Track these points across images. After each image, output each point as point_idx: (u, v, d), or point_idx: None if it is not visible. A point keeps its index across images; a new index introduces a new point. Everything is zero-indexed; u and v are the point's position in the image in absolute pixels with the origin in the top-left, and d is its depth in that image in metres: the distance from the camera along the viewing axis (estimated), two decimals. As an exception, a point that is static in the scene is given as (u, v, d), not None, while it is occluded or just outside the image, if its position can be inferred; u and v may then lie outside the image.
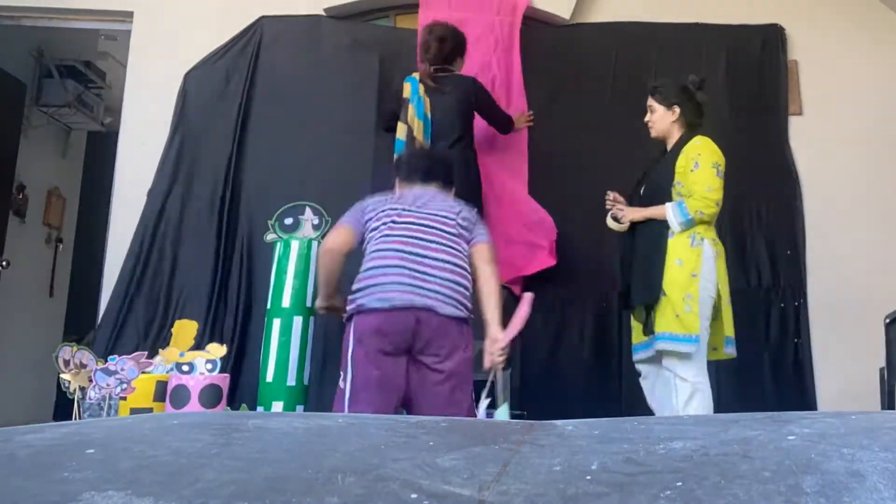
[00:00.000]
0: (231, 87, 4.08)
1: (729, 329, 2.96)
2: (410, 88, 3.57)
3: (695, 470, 0.82)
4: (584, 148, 4.05)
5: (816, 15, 4.24)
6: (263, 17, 4.17)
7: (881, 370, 3.09)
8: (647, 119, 3.14)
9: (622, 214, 3.08)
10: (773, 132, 4.08)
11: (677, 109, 3.04)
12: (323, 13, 4.22)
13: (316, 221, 3.06)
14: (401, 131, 3.52)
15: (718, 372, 3.79)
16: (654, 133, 3.13)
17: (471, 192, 3.47)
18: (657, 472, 0.83)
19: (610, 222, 3.12)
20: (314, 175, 3.93)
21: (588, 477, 0.83)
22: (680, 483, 0.79)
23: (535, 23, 4.13)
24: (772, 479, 0.78)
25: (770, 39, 4.18)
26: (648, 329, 2.92)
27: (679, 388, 2.84)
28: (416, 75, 3.59)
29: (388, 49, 4.15)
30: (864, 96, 4.13)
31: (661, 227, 2.94)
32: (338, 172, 3.97)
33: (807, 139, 4.08)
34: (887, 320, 3.00)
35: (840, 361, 3.75)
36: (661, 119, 3.07)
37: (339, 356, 3.75)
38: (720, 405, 3.67)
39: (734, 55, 4.16)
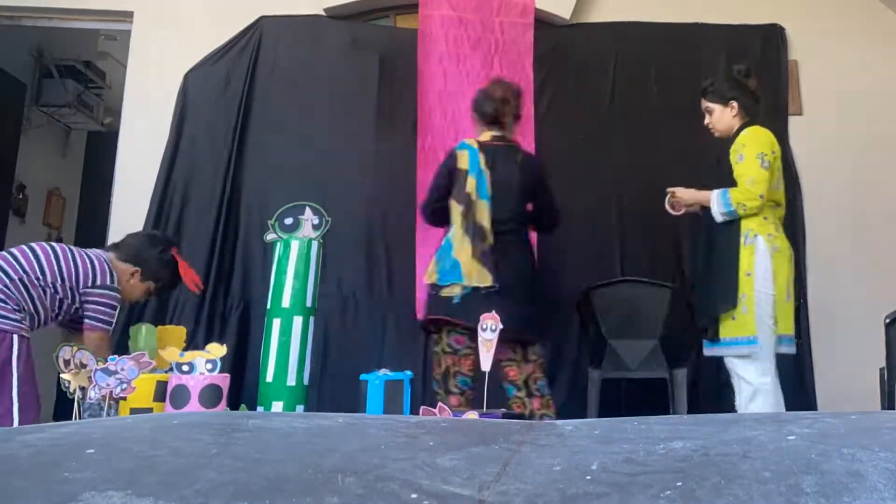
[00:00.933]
0: (231, 87, 4.08)
1: (785, 328, 2.83)
2: (469, 158, 2.90)
3: (695, 470, 0.82)
4: (584, 148, 4.05)
5: (816, 15, 4.24)
6: (263, 17, 4.17)
7: (881, 370, 3.09)
8: (706, 122, 3.02)
9: (676, 198, 2.99)
10: (773, 132, 4.08)
11: (734, 104, 2.92)
12: (323, 13, 4.22)
13: (316, 221, 3.05)
14: (455, 213, 2.87)
15: (719, 372, 3.80)
16: (717, 134, 3.02)
17: (532, 282, 2.95)
18: (657, 472, 0.83)
19: (668, 208, 3.04)
20: (314, 175, 3.93)
21: (588, 477, 0.83)
22: (680, 483, 0.79)
23: (535, 23, 4.13)
24: (772, 479, 0.78)
25: (770, 39, 4.18)
26: (713, 334, 2.82)
27: (742, 389, 2.79)
28: (471, 142, 2.97)
29: (388, 49, 4.16)
30: (863, 96, 4.13)
31: (733, 234, 2.82)
32: (338, 172, 3.97)
33: (807, 139, 4.08)
34: (887, 320, 3.00)
35: (840, 361, 3.75)
36: (720, 118, 2.96)
37: (338, 356, 3.76)
38: (719, 404, 3.68)
39: (734, 55, 4.16)
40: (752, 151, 2.80)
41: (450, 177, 2.93)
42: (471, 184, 2.86)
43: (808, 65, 4.17)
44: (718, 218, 2.80)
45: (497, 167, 2.90)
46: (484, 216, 2.83)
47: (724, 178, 2.85)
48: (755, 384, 2.77)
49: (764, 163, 2.79)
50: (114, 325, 2.68)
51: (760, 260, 2.75)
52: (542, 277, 3.06)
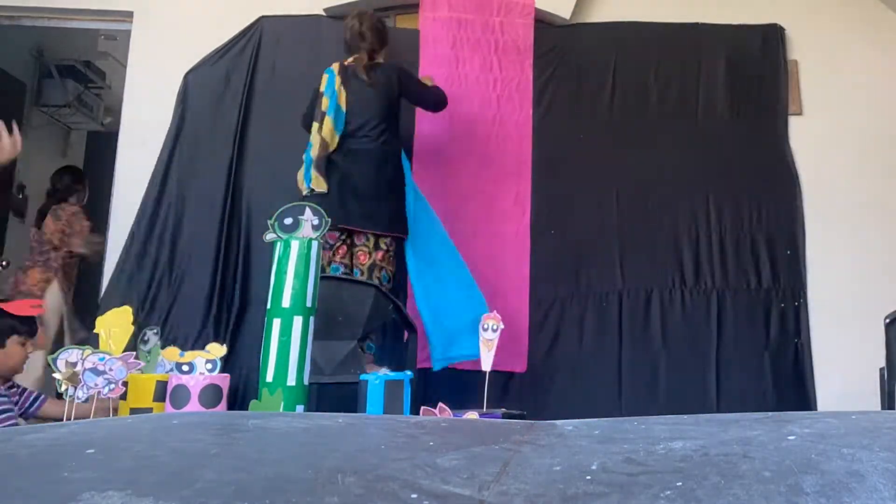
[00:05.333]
0: (231, 88, 4.08)
1: None
2: (327, 80, 3.43)
3: (695, 470, 0.82)
4: (584, 147, 4.06)
5: (816, 15, 4.24)
6: (263, 17, 4.17)
7: (881, 370, 3.09)
8: None
9: None
10: (773, 132, 4.09)
11: None
12: (323, 13, 4.22)
13: (316, 221, 3.05)
14: (313, 130, 3.39)
15: (719, 371, 3.80)
16: None
17: (388, 189, 3.39)
18: (657, 472, 0.83)
19: None
20: (314, 175, 3.93)
21: (588, 477, 0.83)
22: (680, 483, 0.79)
23: (535, 23, 4.13)
24: (772, 479, 0.78)
25: (770, 39, 4.18)
26: None
27: None
28: (334, 67, 3.48)
29: (389, 49, 4.15)
30: (864, 96, 4.13)
31: None
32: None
33: (807, 139, 4.08)
34: (887, 320, 3.00)
35: (840, 361, 3.75)
36: None
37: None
38: (720, 405, 3.69)
39: (734, 55, 4.16)
40: None
41: (314, 99, 3.46)
42: (324, 103, 3.37)
43: (808, 65, 4.17)
44: None
45: (351, 85, 3.41)
46: (328, 130, 3.34)
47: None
48: None
49: None
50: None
51: None
52: (400, 181, 3.44)
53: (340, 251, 3.39)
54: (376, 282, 3.31)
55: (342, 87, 3.40)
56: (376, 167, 3.38)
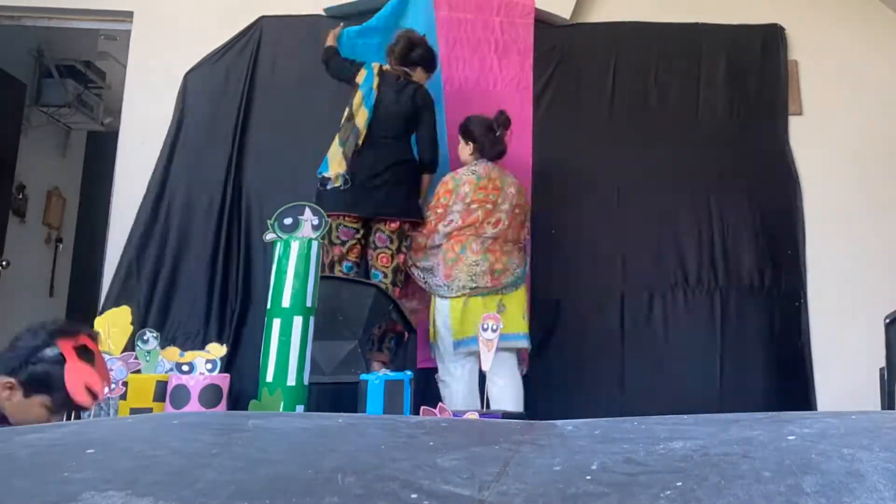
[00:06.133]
0: (231, 87, 4.08)
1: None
2: (365, 76, 3.55)
3: (695, 470, 0.82)
4: (584, 147, 4.06)
5: (816, 15, 4.24)
6: (263, 17, 4.17)
7: (881, 370, 3.09)
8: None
9: None
10: (773, 132, 4.09)
11: (471, 145, 3.55)
12: (323, 13, 4.22)
13: (315, 222, 3.05)
14: (345, 118, 3.51)
15: (719, 371, 3.81)
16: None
17: (407, 182, 3.50)
18: (657, 472, 0.83)
19: None
20: (314, 175, 3.92)
21: (588, 477, 0.83)
22: (680, 483, 0.79)
23: (535, 23, 4.13)
24: (772, 479, 0.78)
25: (770, 39, 4.18)
26: None
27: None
28: (374, 67, 3.58)
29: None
30: (864, 96, 4.13)
31: None
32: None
33: (807, 139, 4.08)
34: (887, 320, 2.99)
35: (840, 361, 3.75)
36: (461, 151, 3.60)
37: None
38: (720, 405, 3.69)
39: (734, 55, 4.16)
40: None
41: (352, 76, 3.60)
42: (359, 95, 3.49)
43: (808, 65, 4.17)
44: None
45: (383, 91, 3.51)
46: (363, 121, 3.44)
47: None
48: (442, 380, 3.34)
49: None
50: None
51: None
52: (413, 174, 3.55)
53: (355, 250, 3.42)
54: (400, 285, 3.43)
55: (377, 90, 3.51)
56: (394, 163, 3.45)
